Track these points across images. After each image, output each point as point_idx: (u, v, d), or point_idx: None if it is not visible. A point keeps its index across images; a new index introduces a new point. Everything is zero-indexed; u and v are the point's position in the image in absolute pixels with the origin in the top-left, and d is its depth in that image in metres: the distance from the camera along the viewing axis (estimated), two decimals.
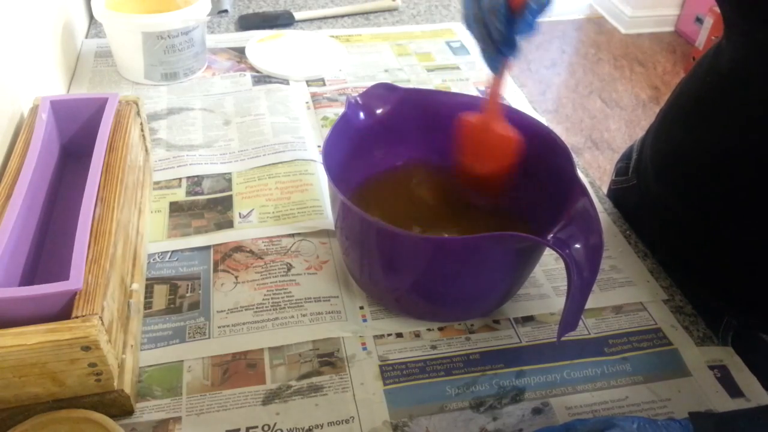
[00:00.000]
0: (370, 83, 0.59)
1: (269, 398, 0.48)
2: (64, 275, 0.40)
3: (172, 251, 0.59)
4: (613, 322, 0.56)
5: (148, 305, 0.54)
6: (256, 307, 0.54)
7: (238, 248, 0.60)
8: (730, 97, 0.53)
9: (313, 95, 0.83)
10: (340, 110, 0.57)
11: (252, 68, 0.87)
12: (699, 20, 2.62)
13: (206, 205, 0.64)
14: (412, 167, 0.61)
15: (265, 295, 0.56)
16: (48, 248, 0.51)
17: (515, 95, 0.86)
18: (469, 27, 0.49)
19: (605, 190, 0.74)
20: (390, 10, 1.06)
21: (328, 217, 0.63)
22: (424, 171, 0.61)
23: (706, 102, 0.56)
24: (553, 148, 0.53)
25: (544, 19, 0.48)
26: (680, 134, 0.59)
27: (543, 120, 0.63)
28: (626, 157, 0.73)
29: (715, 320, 0.58)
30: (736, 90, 0.52)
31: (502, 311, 0.56)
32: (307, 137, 0.74)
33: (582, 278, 0.43)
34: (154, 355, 0.50)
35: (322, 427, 0.46)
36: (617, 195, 0.72)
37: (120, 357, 0.45)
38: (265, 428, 0.46)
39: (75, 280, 0.40)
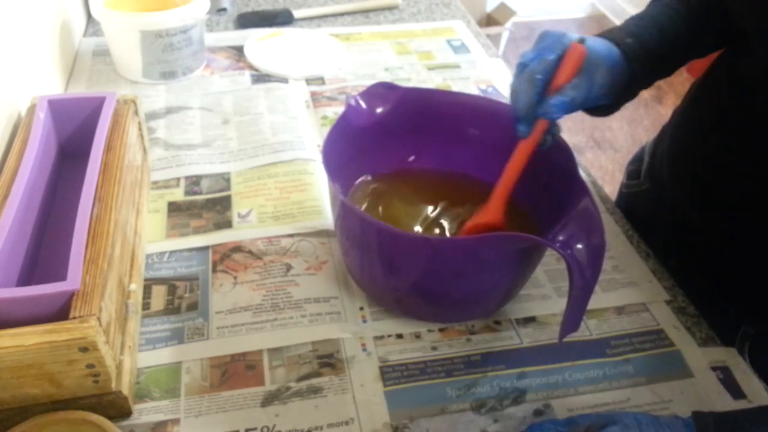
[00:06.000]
0: (370, 82, 0.59)
1: (268, 400, 0.47)
2: (61, 276, 0.40)
3: (171, 251, 0.59)
4: (615, 323, 0.55)
5: (146, 306, 0.54)
6: (255, 308, 0.54)
7: (237, 248, 0.59)
8: (753, 101, 0.52)
9: (313, 94, 0.83)
10: (340, 109, 0.57)
11: (251, 67, 0.86)
12: None
13: (205, 205, 0.64)
14: (412, 166, 0.60)
15: (264, 295, 0.55)
16: (45, 248, 0.50)
17: None
18: (511, 92, 0.50)
19: (607, 189, 0.74)
20: (390, 8, 1.06)
21: (327, 217, 0.63)
22: (424, 170, 0.60)
23: (726, 106, 0.55)
24: (554, 148, 0.52)
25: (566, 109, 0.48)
26: (698, 138, 0.58)
27: None
28: (637, 159, 0.72)
29: (731, 330, 0.57)
30: (760, 94, 0.51)
31: (504, 312, 0.55)
32: (306, 136, 0.74)
33: (584, 279, 0.42)
34: (152, 356, 0.50)
35: (321, 429, 0.46)
36: (629, 199, 0.71)
37: (118, 358, 0.44)
38: (264, 430, 0.46)
39: (72, 281, 0.40)
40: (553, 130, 0.49)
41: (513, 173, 0.49)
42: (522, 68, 0.48)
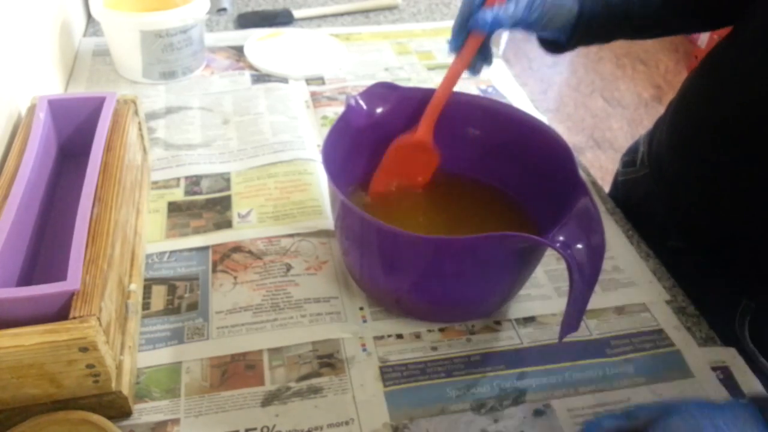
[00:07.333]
0: (370, 82, 0.59)
1: (268, 400, 0.47)
2: (61, 276, 0.40)
3: (171, 251, 0.59)
4: (615, 323, 0.55)
5: (146, 306, 0.54)
6: (255, 308, 0.54)
7: (237, 248, 0.59)
8: (760, 64, 0.51)
9: (313, 94, 0.83)
10: (340, 109, 0.57)
11: (251, 67, 0.87)
12: None
13: (205, 205, 0.64)
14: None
15: (264, 295, 0.55)
16: (45, 248, 0.50)
17: (516, 94, 0.85)
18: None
19: (608, 189, 0.74)
20: (390, 8, 1.06)
21: (327, 217, 0.63)
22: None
23: (732, 72, 0.54)
24: (554, 148, 0.53)
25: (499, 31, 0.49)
26: (702, 110, 0.58)
27: (544, 119, 0.63)
28: (632, 151, 0.73)
29: (731, 305, 0.57)
30: (759, 72, 0.51)
31: (503, 312, 0.55)
32: (306, 136, 0.74)
33: (583, 279, 0.42)
34: (152, 356, 0.50)
35: (321, 429, 0.46)
36: (626, 186, 0.72)
37: (118, 358, 0.45)
38: (264, 430, 0.46)
39: (72, 281, 0.40)
40: (486, 52, 0.49)
41: (442, 94, 0.51)
42: None
